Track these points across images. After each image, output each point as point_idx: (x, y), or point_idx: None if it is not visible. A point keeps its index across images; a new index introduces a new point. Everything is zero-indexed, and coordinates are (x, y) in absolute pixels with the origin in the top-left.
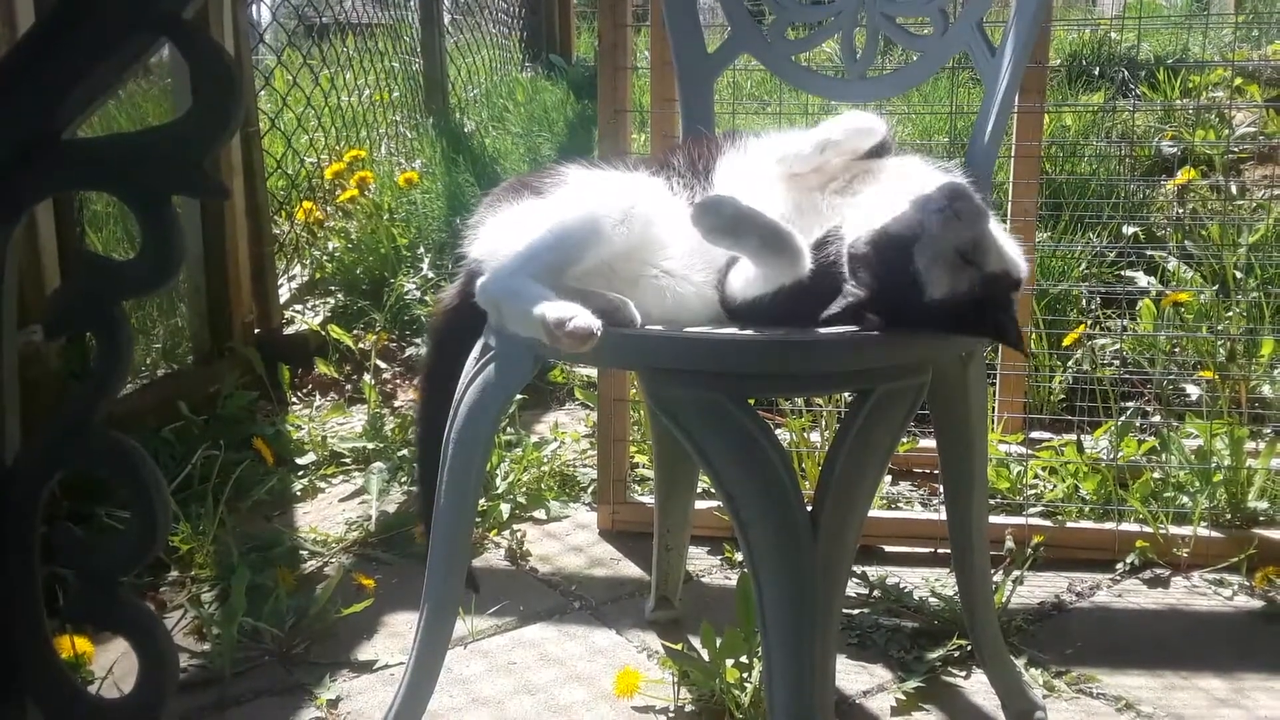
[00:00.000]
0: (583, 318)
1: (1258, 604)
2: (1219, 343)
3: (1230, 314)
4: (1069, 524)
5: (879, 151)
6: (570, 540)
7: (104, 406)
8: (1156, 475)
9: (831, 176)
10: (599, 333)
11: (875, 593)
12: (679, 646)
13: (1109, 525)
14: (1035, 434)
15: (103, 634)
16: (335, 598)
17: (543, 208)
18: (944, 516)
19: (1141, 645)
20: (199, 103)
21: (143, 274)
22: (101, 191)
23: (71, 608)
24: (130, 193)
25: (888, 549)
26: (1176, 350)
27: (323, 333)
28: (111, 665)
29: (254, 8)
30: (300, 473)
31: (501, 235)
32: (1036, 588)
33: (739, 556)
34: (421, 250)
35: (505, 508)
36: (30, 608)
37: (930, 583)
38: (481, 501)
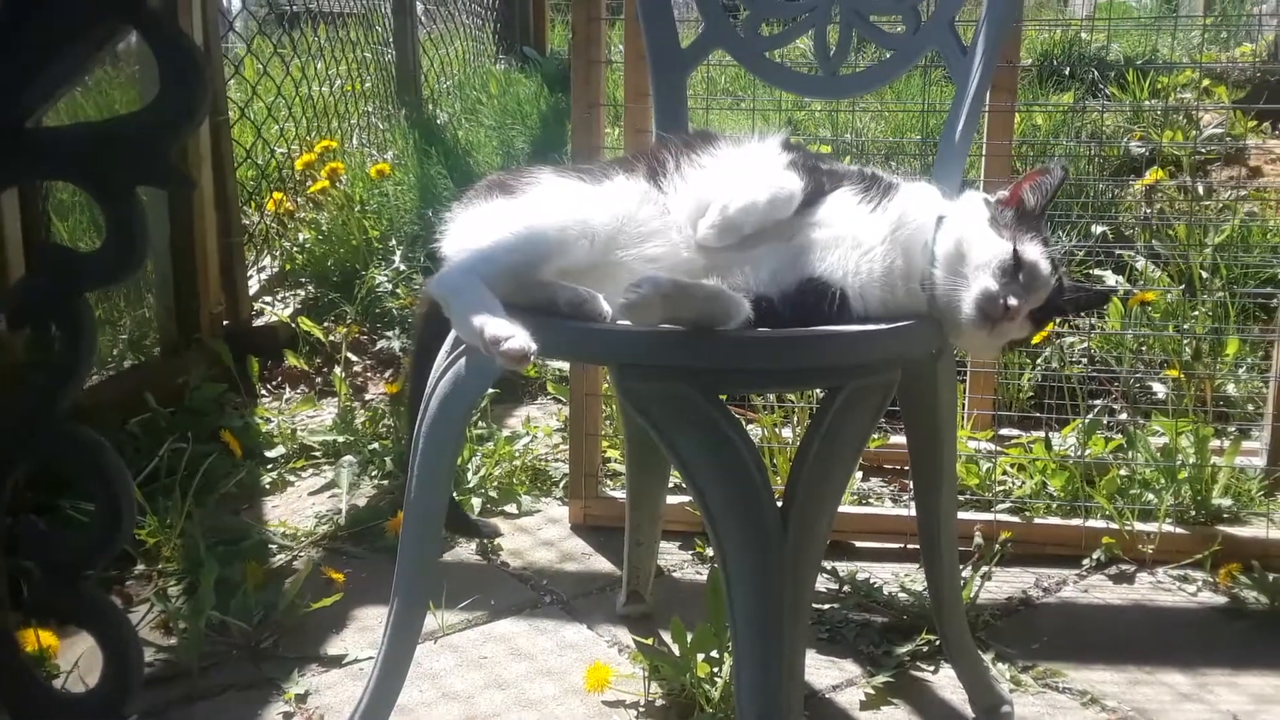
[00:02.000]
0: (517, 339)
1: (1221, 600)
2: (1185, 341)
3: (1196, 313)
4: (1037, 520)
5: (811, 197)
6: (542, 535)
7: (68, 398)
8: (1123, 472)
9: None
10: (532, 355)
11: (845, 588)
12: (650, 641)
13: (1076, 521)
14: (1004, 431)
15: (68, 627)
16: (304, 592)
17: (512, 208)
18: (914, 512)
19: (1107, 640)
20: (165, 92)
21: (107, 265)
22: (66, 181)
23: (35, 601)
24: (95, 183)
25: (858, 544)
26: (1143, 349)
27: (293, 325)
28: (77, 659)
29: None
30: (269, 466)
31: (470, 233)
32: (1004, 583)
33: (710, 551)
34: (393, 243)
35: (477, 502)
36: None
37: (900, 578)
38: (453, 495)
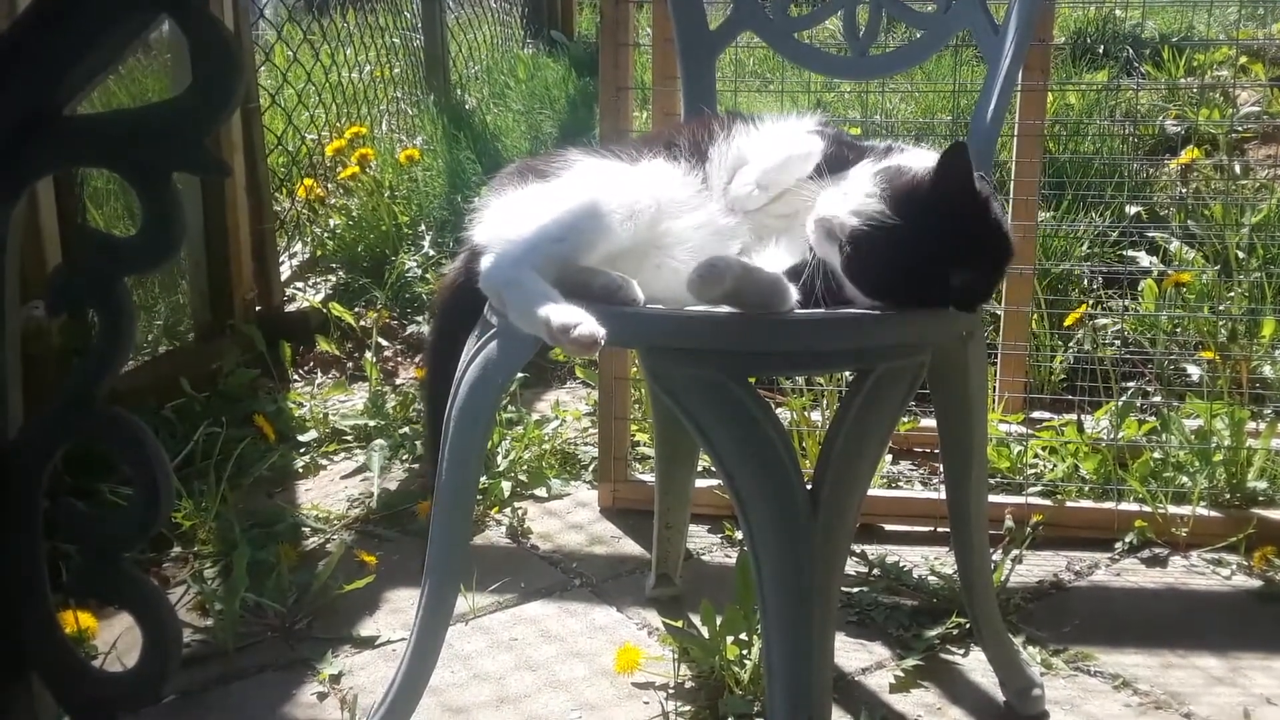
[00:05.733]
0: (587, 325)
1: (1255, 583)
2: (1220, 323)
3: (1232, 294)
4: (1068, 503)
5: (844, 164)
6: (571, 518)
7: (107, 382)
8: (1156, 455)
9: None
10: (603, 341)
11: (874, 571)
12: (679, 624)
13: (1108, 505)
14: (1036, 414)
15: (106, 609)
16: (337, 574)
17: (548, 194)
18: (944, 495)
19: (1139, 624)
20: (199, 79)
21: (144, 251)
22: (103, 168)
23: (75, 583)
24: (131, 170)
25: (887, 527)
26: (1178, 330)
27: (324, 310)
28: (115, 640)
29: None
30: (302, 450)
31: (506, 220)
32: (1035, 566)
33: (739, 534)
34: (423, 228)
35: (506, 485)
36: (34, 583)
37: (929, 561)
38: (483, 479)
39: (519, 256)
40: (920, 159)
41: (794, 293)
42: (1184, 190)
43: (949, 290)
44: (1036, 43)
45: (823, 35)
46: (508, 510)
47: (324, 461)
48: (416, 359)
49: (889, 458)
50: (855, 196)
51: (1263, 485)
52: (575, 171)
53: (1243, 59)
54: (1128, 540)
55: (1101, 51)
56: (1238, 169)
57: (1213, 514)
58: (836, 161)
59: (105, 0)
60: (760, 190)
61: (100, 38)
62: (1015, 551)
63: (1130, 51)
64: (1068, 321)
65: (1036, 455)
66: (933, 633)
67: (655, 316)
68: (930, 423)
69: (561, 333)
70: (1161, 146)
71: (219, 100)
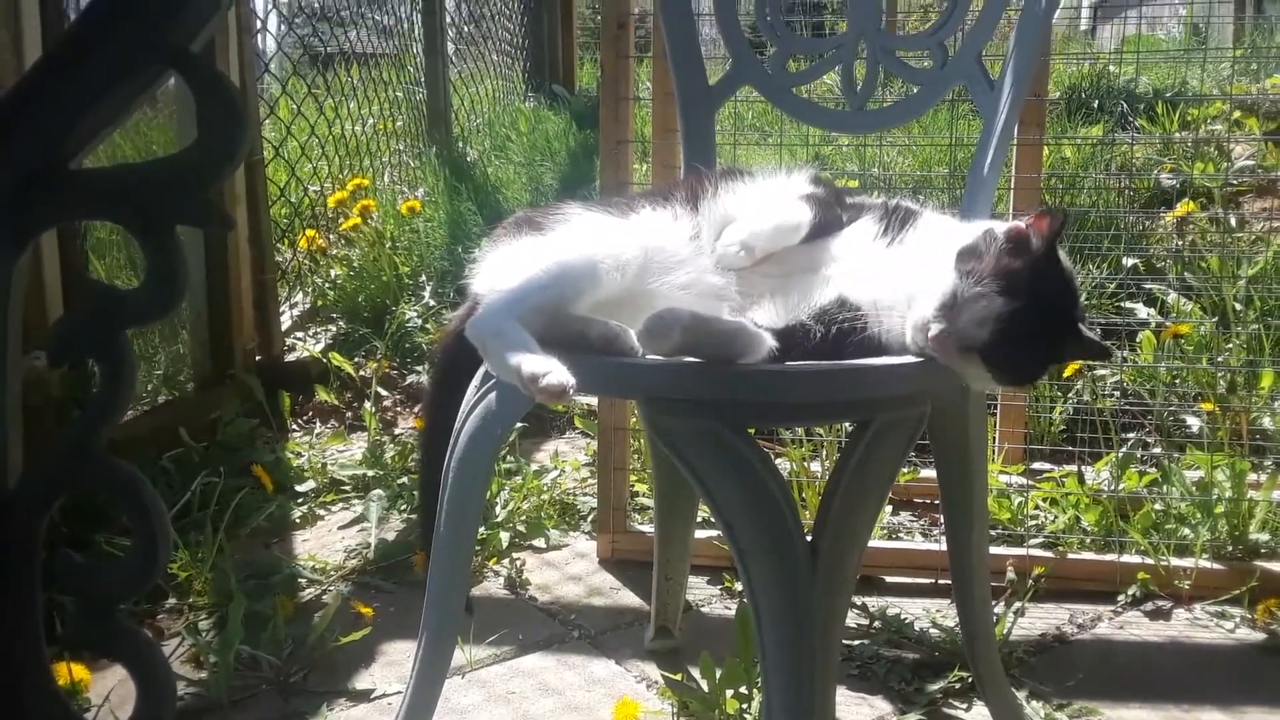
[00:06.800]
0: (556, 375)
1: (1259, 637)
2: (1219, 374)
3: (1230, 346)
4: (1070, 555)
5: (828, 229)
6: (569, 569)
7: (105, 433)
8: (1158, 507)
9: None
10: (571, 390)
11: (876, 623)
12: (678, 676)
13: (1110, 557)
14: (1036, 465)
15: (99, 661)
16: (333, 626)
17: (542, 245)
18: (945, 547)
19: (1143, 678)
20: (205, 134)
21: (147, 303)
22: (107, 221)
23: (70, 634)
24: (136, 222)
25: (888, 579)
26: (1177, 382)
27: (324, 360)
28: (108, 693)
29: (259, 37)
30: (300, 500)
31: (501, 271)
32: (1038, 619)
33: (739, 586)
34: (423, 278)
35: (505, 536)
36: (31, 633)
37: (931, 614)
38: (481, 529)
39: (504, 307)
40: (943, 224)
41: (767, 341)
42: (1180, 243)
43: (1087, 345)
44: (1032, 98)
45: (821, 90)
46: (506, 561)
47: (322, 512)
48: (416, 409)
49: (889, 509)
50: (959, 297)
51: (1265, 537)
52: (570, 224)
53: (1236, 113)
54: (1130, 593)
55: (1096, 106)
56: (1233, 222)
57: (1215, 566)
58: (830, 223)
59: (112, 56)
60: (745, 252)
61: (107, 93)
62: (1017, 604)
63: (1125, 106)
64: (1067, 373)
65: (1037, 506)
66: (935, 686)
67: (654, 367)
68: (930, 473)
69: (531, 381)
70: (1157, 199)
71: (224, 155)
